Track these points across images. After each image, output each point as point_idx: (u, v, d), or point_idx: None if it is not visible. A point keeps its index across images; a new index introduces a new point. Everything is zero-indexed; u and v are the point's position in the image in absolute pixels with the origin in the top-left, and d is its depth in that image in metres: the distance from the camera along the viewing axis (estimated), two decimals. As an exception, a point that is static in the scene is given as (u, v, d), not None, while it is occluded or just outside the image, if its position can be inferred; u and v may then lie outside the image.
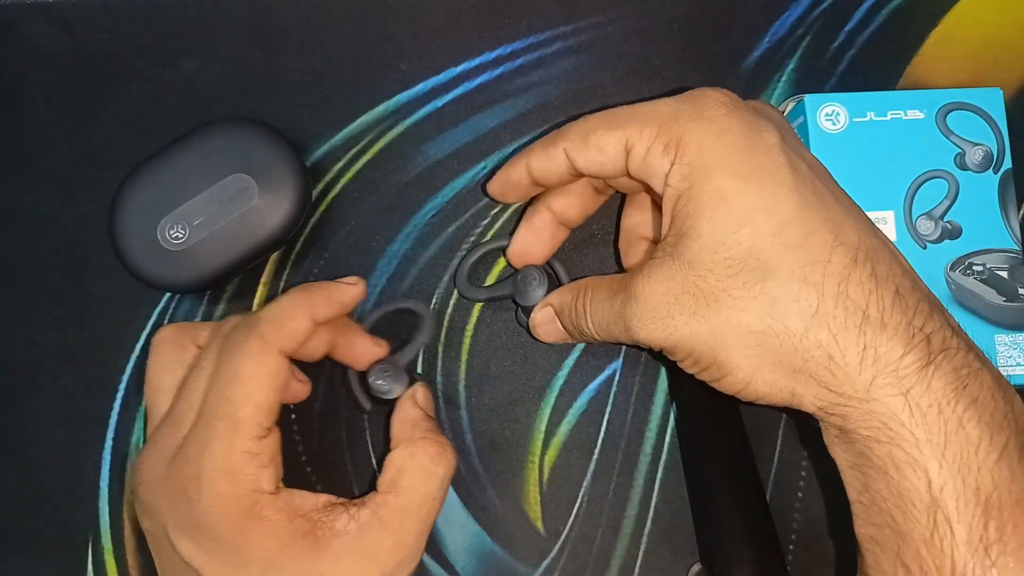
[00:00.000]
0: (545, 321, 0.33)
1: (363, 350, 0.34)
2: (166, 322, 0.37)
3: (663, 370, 0.36)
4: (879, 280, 0.26)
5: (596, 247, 0.37)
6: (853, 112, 0.35)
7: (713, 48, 0.38)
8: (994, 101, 0.35)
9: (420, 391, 0.33)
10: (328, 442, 0.36)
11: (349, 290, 0.32)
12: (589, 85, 0.38)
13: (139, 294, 0.36)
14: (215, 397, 0.28)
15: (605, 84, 0.38)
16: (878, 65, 0.38)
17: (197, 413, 0.29)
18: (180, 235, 0.34)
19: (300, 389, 0.34)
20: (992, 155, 0.34)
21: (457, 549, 0.35)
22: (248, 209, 0.34)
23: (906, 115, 0.35)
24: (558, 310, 0.33)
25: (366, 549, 0.28)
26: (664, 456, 0.36)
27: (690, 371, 0.28)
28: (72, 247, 0.37)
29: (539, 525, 0.35)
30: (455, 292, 0.37)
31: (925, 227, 0.34)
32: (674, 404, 0.36)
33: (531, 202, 0.36)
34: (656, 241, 0.34)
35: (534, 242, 0.35)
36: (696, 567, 0.34)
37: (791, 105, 0.36)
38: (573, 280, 0.34)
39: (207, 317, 0.37)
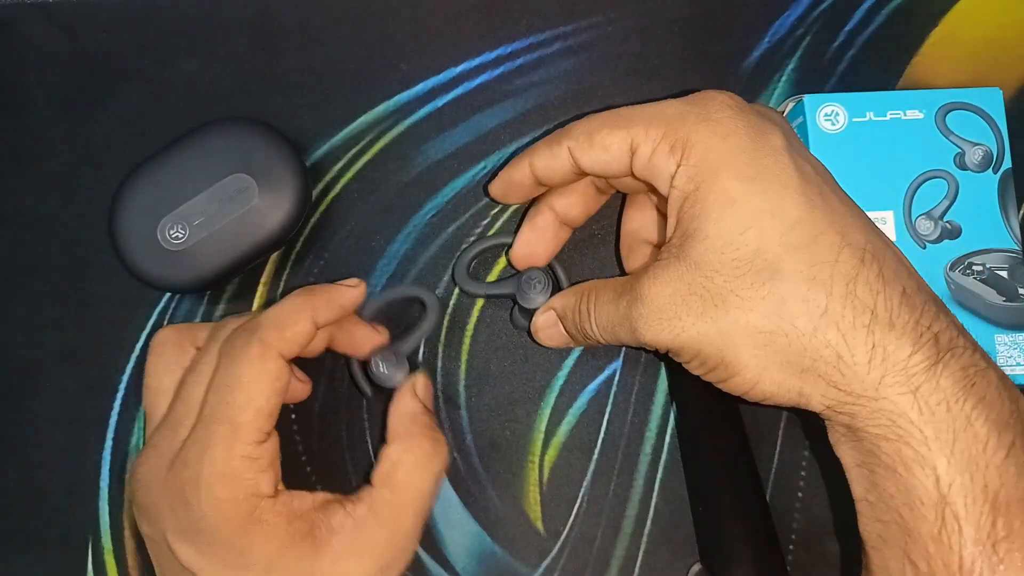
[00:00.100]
0: (548, 325, 0.33)
1: (362, 338, 0.34)
2: (166, 322, 0.37)
3: (663, 370, 0.36)
4: (886, 280, 0.26)
5: (596, 247, 0.37)
6: (852, 112, 0.35)
7: (713, 48, 0.38)
8: (994, 101, 0.35)
9: (420, 381, 0.33)
10: (328, 442, 0.36)
11: (350, 292, 0.32)
12: (589, 85, 0.38)
13: (139, 294, 0.36)
14: (215, 401, 0.28)
15: (605, 84, 0.38)
16: (878, 65, 0.38)
17: (196, 416, 0.29)
18: (180, 235, 0.34)
19: (300, 389, 0.34)
20: (992, 155, 0.34)
21: (457, 549, 0.35)
22: (248, 209, 0.34)
23: (905, 115, 0.35)
24: (561, 314, 0.33)
25: (363, 545, 0.28)
26: (664, 456, 0.36)
27: (696, 372, 0.28)
28: (72, 247, 0.37)
29: (539, 525, 0.35)
30: (455, 292, 0.37)
31: (925, 227, 0.34)
32: (674, 404, 0.36)
33: (533, 203, 0.36)
34: (658, 245, 0.34)
35: (537, 242, 0.35)
36: (696, 567, 0.34)
37: (791, 105, 0.36)
38: (573, 283, 0.34)
39: (207, 317, 0.37)
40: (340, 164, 0.38)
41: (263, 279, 0.37)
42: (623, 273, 0.36)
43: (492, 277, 0.37)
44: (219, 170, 0.34)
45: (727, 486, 0.32)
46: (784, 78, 0.38)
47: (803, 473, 0.35)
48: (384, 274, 0.37)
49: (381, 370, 0.33)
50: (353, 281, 0.32)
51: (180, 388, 0.30)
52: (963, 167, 0.34)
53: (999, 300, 0.34)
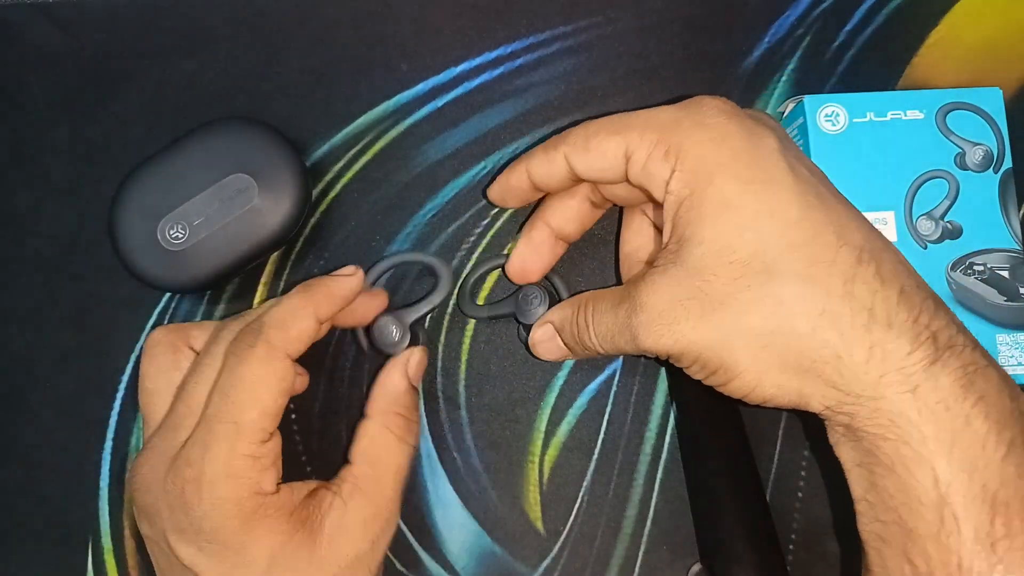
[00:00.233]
0: (545, 338, 0.33)
1: (363, 309, 0.34)
2: (166, 322, 0.37)
3: (663, 370, 0.36)
4: (884, 279, 0.26)
5: (596, 247, 0.37)
6: (853, 112, 0.35)
7: (713, 48, 0.38)
8: (994, 101, 0.35)
9: (415, 357, 0.33)
10: (328, 442, 0.36)
11: (348, 282, 0.32)
12: (589, 85, 0.38)
13: (139, 294, 0.36)
14: (219, 400, 0.28)
15: (605, 84, 0.38)
16: (878, 65, 0.38)
17: (198, 417, 0.29)
18: (180, 235, 0.34)
19: (299, 381, 0.34)
20: (992, 155, 0.34)
21: (457, 549, 0.35)
22: (248, 209, 0.34)
23: (906, 115, 0.35)
24: (559, 327, 0.33)
25: (354, 521, 0.29)
26: (664, 456, 0.36)
27: (697, 377, 0.28)
28: (72, 247, 0.37)
29: (539, 525, 0.35)
30: (455, 293, 0.37)
31: (926, 227, 0.34)
32: (674, 404, 0.36)
33: (529, 218, 0.36)
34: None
35: (533, 258, 0.35)
36: (696, 567, 0.34)
37: (791, 106, 0.36)
38: (573, 294, 0.34)
39: (207, 317, 0.37)
40: (340, 164, 0.38)
41: (263, 279, 0.37)
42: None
43: (486, 290, 0.37)
44: (219, 170, 0.34)
45: (727, 486, 0.32)
46: (784, 78, 0.38)
47: (803, 473, 0.35)
48: (384, 274, 0.37)
49: (383, 335, 0.34)
50: (349, 270, 0.32)
51: (181, 389, 0.30)
52: (964, 167, 0.34)
53: (1000, 300, 0.34)
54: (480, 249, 0.37)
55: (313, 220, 0.37)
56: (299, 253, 0.37)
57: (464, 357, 0.37)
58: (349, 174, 0.38)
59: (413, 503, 0.35)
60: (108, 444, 0.36)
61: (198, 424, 0.28)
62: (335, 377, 0.36)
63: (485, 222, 0.37)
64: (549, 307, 0.34)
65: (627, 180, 0.30)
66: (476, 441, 0.36)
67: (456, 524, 0.35)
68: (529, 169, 0.32)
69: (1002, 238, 0.34)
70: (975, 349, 0.26)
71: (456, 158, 0.38)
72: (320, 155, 0.38)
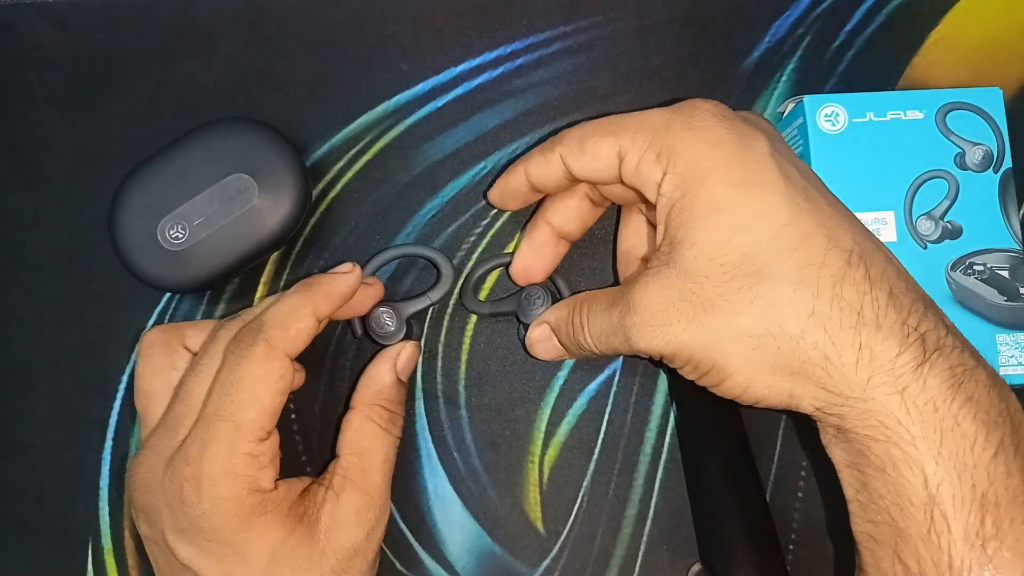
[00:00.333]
0: (542, 338, 0.34)
1: (360, 298, 0.34)
2: (166, 322, 0.37)
3: (663, 371, 0.36)
4: (873, 281, 0.26)
5: (596, 247, 0.37)
6: (853, 112, 0.35)
7: (713, 48, 0.38)
8: (994, 101, 0.35)
9: (405, 352, 0.34)
10: (328, 442, 0.36)
11: (346, 280, 0.32)
12: (589, 85, 0.38)
13: (139, 294, 0.36)
14: (218, 399, 0.28)
15: (605, 84, 0.38)
16: (878, 65, 0.38)
17: (196, 416, 0.29)
18: (180, 235, 0.34)
19: (297, 378, 0.34)
20: (992, 155, 0.34)
21: (457, 549, 0.35)
22: (248, 209, 0.34)
23: (906, 115, 0.35)
24: (555, 327, 0.33)
25: (348, 512, 0.30)
26: (664, 456, 0.36)
27: (690, 377, 0.29)
28: (72, 247, 0.37)
29: (539, 525, 0.35)
30: (455, 293, 0.37)
31: (925, 227, 0.34)
32: (674, 404, 0.36)
33: (531, 218, 0.36)
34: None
35: (536, 258, 0.35)
36: (696, 567, 0.34)
37: (790, 106, 0.36)
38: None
39: (207, 317, 0.37)
40: (340, 164, 0.38)
41: (263, 279, 0.37)
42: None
43: (487, 288, 0.37)
44: (219, 170, 0.34)
45: (727, 486, 0.32)
46: (784, 78, 0.38)
47: (803, 473, 0.35)
48: (384, 274, 0.37)
49: (378, 325, 0.34)
50: (346, 267, 0.32)
51: (179, 388, 0.30)
52: (963, 167, 0.34)
53: (1000, 300, 0.34)
54: (480, 249, 0.37)
55: (313, 220, 0.37)
56: (299, 253, 0.37)
57: (464, 357, 0.37)
58: (349, 174, 0.38)
59: (413, 503, 0.35)
60: (108, 444, 0.36)
61: (196, 422, 0.29)
62: (335, 377, 0.36)
63: (485, 222, 0.37)
64: None
65: (621, 181, 0.30)
66: (476, 441, 0.36)
67: (456, 524, 0.35)
68: (527, 171, 0.33)
69: (1002, 238, 0.34)
70: (964, 350, 0.26)
71: (456, 158, 0.38)
72: (320, 155, 0.38)
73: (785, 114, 0.37)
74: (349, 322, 0.36)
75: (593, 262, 0.37)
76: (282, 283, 0.37)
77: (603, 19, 0.39)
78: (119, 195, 0.34)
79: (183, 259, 0.34)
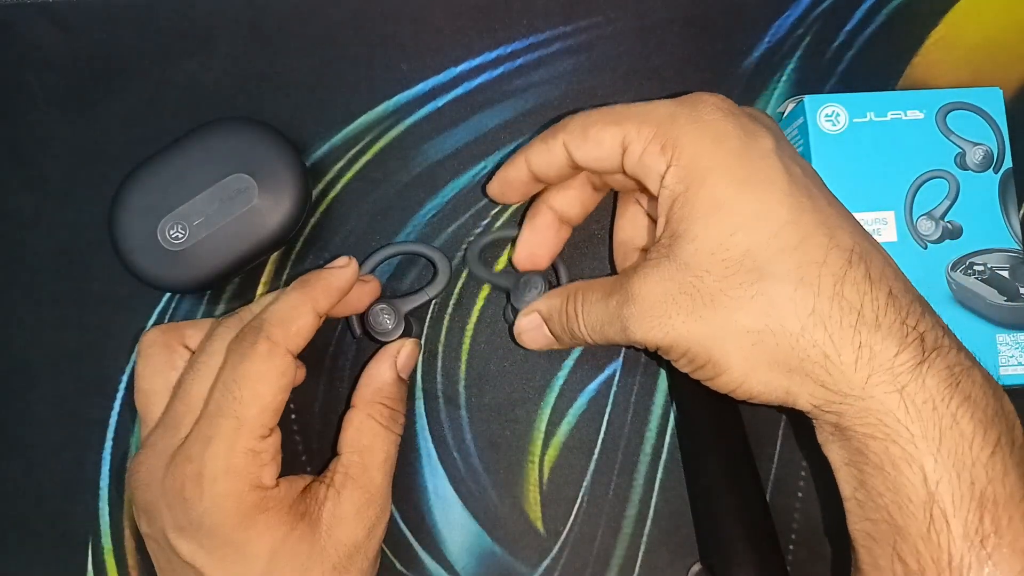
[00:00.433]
0: (531, 327, 0.33)
1: (357, 296, 0.34)
2: (166, 322, 0.37)
3: (663, 370, 0.36)
4: (873, 281, 0.26)
5: (596, 246, 0.37)
6: (853, 112, 0.35)
7: (713, 48, 0.38)
8: (994, 101, 0.35)
9: (406, 349, 0.34)
10: (328, 442, 0.36)
11: (343, 273, 0.32)
12: (589, 85, 0.38)
13: (139, 294, 0.36)
14: (221, 396, 0.28)
15: (605, 84, 0.38)
16: (878, 65, 0.38)
17: (197, 414, 0.29)
18: (180, 235, 0.34)
19: (298, 374, 0.34)
20: (992, 155, 0.34)
21: (457, 549, 0.35)
22: (248, 209, 0.34)
23: (906, 115, 0.35)
24: (546, 316, 0.33)
25: (349, 509, 0.30)
26: (664, 456, 0.36)
27: (685, 370, 0.29)
28: (72, 247, 0.37)
29: (539, 525, 0.35)
30: (455, 293, 0.37)
31: (926, 227, 0.34)
32: (674, 404, 0.36)
33: (532, 203, 0.36)
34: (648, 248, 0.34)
35: (538, 243, 0.35)
36: (696, 567, 0.34)
37: (791, 106, 0.36)
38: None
39: (207, 317, 0.37)
40: (340, 164, 0.38)
41: (263, 279, 0.37)
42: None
43: (499, 266, 0.37)
44: (219, 170, 0.34)
45: (727, 486, 0.32)
46: (784, 78, 0.38)
47: (803, 473, 0.35)
48: (384, 274, 0.37)
49: (377, 322, 0.34)
50: (343, 260, 0.32)
51: (178, 387, 0.30)
52: (964, 167, 0.34)
53: (1000, 300, 0.34)
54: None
55: (313, 220, 0.37)
56: (299, 253, 0.37)
57: (464, 357, 0.37)
58: (349, 174, 0.38)
59: (413, 503, 0.35)
60: (108, 444, 0.36)
61: (199, 420, 0.29)
62: (335, 377, 0.36)
63: (485, 222, 0.37)
64: None
65: (623, 171, 0.30)
66: (476, 441, 0.36)
67: (456, 524, 0.35)
68: (528, 159, 0.32)
69: (1002, 238, 0.34)
70: (960, 351, 0.26)
71: (456, 158, 0.38)
72: (320, 155, 0.38)
73: (785, 114, 0.37)
74: (348, 322, 0.36)
75: (593, 261, 0.37)
76: (282, 283, 0.37)
77: (603, 19, 0.39)
78: (119, 195, 0.34)
79: (183, 259, 0.34)
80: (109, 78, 0.38)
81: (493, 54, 0.38)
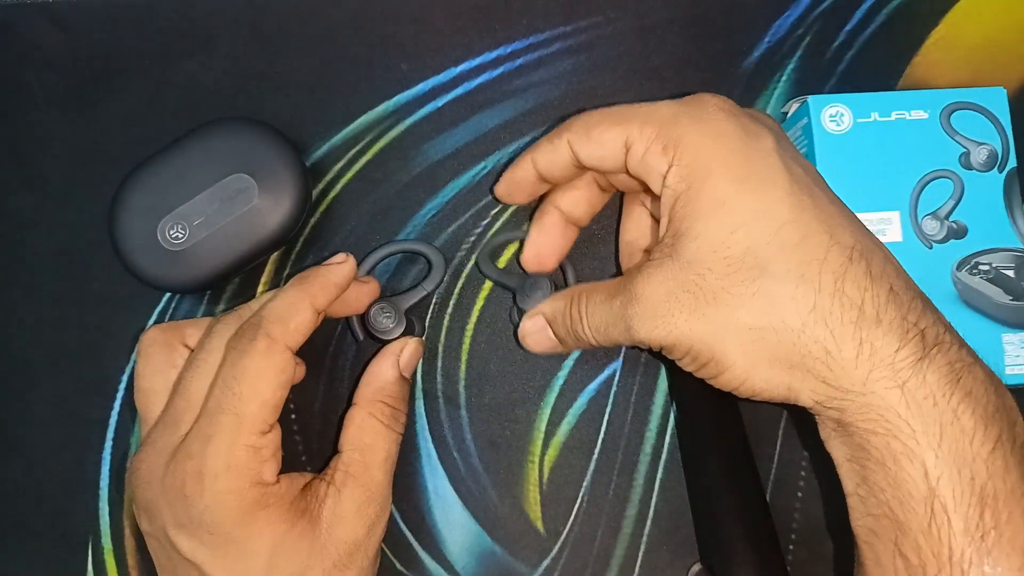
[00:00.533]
0: (535, 330, 0.33)
1: (356, 296, 0.34)
2: (166, 322, 0.37)
3: (663, 370, 0.36)
4: (874, 278, 0.26)
5: (597, 246, 0.37)
6: (857, 113, 0.35)
7: (713, 48, 0.38)
8: (998, 100, 0.35)
9: (408, 348, 0.34)
10: (328, 442, 0.36)
11: (341, 270, 0.32)
12: (589, 85, 0.38)
13: (139, 294, 0.36)
14: (220, 393, 0.28)
15: (605, 84, 0.38)
16: (878, 65, 0.38)
17: (197, 411, 0.29)
18: (180, 235, 0.34)
19: (298, 371, 0.34)
20: (997, 154, 0.34)
21: (457, 549, 0.35)
22: (248, 209, 0.34)
23: (910, 115, 0.35)
24: (550, 318, 0.33)
25: (349, 507, 0.30)
26: (664, 456, 0.36)
27: (688, 368, 0.29)
28: (72, 247, 0.37)
29: (539, 525, 0.35)
30: (456, 292, 0.37)
31: (931, 227, 0.34)
32: (674, 404, 0.36)
33: (539, 204, 0.36)
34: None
35: (546, 243, 0.35)
36: (696, 567, 0.34)
37: (795, 106, 0.36)
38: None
39: (207, 316, 0.37)
40: (340, 164, 0.38)
41: (263, 279, 0.37)
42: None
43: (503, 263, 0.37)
44: (219, 170, 0.34)
45: (727, 486, 0.32)
46: (784, 78, 0.38)
47: (803, 473, 0.35)
48: (384, 274, 0.37)
49: (377, 322, 0.34)
50: (340, 257, 0.33)
51: (178, 384, 0.30)
52: (968, 167, 0.34)
53: (1006, 299, 0.34)
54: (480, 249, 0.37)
55: (313, 220, 0.37)
56: (299, 253, 0.37)
57: (464, 357, 0.36)
58: (349, 174, 0.38)
59: (413, 503, 0.35)
60: (108, 444, 0.36)
61: (199, 418, 0.29)
62: (335, 377, 0.36)
63: (485, 222, 0.37)
64: None
65: (626, 171, 0.31)
66: (476, 441, 0.36)
67: (456, 524, 0.35)
68: (534, 159, 0.33)
69: (1007, 237, 0.34)
70: (961, 347, 0.26)
71: (456, 158, 0.38)
72: (320, 155, 0.38)
73: (789, 114, 0.37)
74: (350, 326, 0.35)
75: (595, 261, 0.37)
76: (282, 283, 0.37)
77: (603, 19, 0.39)
78: (119, 195, 0.34)
79: (183, 259, 0.34)
80: (109, 78, 0.38)
81: (493, 54, 0.38)
